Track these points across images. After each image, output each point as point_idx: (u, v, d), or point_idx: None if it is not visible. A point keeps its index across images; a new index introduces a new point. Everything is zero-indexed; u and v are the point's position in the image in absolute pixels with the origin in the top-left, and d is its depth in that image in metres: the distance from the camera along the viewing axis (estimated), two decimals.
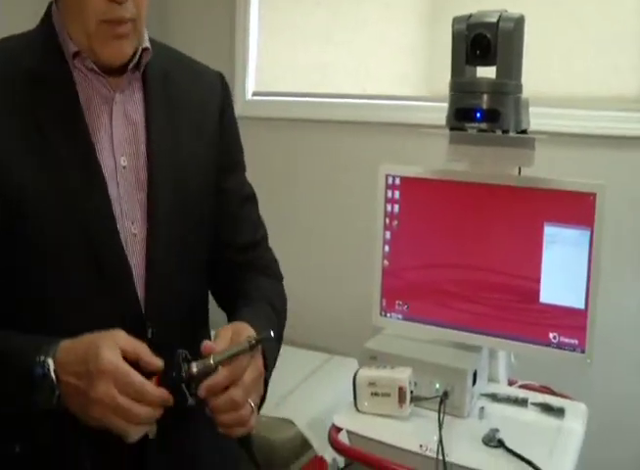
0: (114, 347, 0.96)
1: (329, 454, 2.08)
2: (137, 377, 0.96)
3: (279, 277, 1.38)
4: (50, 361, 0.97)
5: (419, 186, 1.63)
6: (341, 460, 2.01)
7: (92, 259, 1.08)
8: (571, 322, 1.50)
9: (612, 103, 2.13)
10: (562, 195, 1.49)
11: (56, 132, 1.08)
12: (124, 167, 1.13)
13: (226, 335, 1.04)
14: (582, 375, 2.01)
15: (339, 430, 1.55)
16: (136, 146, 1.15)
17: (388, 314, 1.68)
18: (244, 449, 1.11)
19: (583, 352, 1.49)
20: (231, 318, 1.18)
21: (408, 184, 1.63)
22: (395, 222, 1.65)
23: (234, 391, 0.99)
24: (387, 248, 1.66)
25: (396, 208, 1.64)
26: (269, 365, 1.12)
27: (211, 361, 0.99)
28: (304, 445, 2.09)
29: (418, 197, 1.63)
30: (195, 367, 0.99)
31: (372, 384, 1.53)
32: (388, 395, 1.52)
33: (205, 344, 1.01)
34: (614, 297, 1.94)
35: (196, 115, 1.23)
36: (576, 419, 1.57)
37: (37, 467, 1.12)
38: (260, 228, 1.37)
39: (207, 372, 0.99)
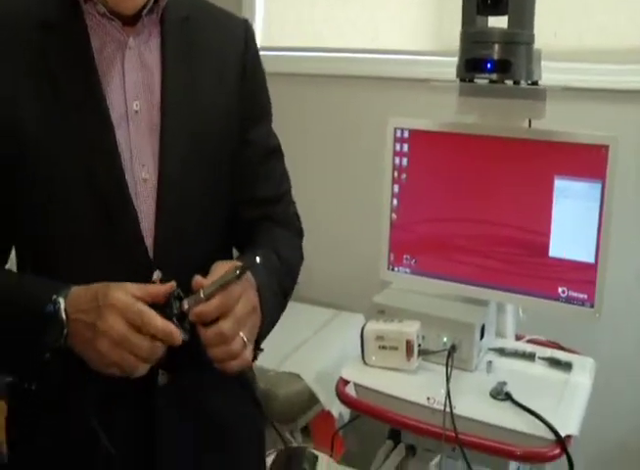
0: (123, 287, 0.98)
1: (336, 409, 2.09)
2: (144, 308, 0.96)
3: (298, 232, 1.36)
4: (61, 300, 0.99)
5: (428, 139, 1.61)
6: (347, 414, 2.03)
7: (99, 203, 1.08)
8: (581, 276, 1.49)
9: (624, 56, 2.09)
10: (573, 148, 1.47)
11: (66, 76, 1.07)
12: (136, 112, 1.11)
13: (218, 271, 1.02)
14: (590, 330, 2.01)
15: (346, 383, 1.56)
16: (150, 91, 1.13)
17: (396, 268, 1.67)
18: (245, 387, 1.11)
19: (592, 306, 1.48)
20: None
21: (417, 137, 1.61)
22: (404, 176, 1.63)
23: (223, 323, 0.98)
24: (395, 201, 1.65)
25: (405, 161, 1.63)
26: (266, 308, 1.10)
27: (202, 295, 0.99)
28: (311, 399, 2.10)
29: (427, 150, 1.61)
30: (186, 303, 0.99)
31: (380, 337, 1.53)
32: (395, 348, 1.52)
33: (196, 279, 1.01)
34: (624, 251, 1.93)
35: (216, 62, 1.20)
36: (584, 373, 1.57)
37: (49, 410, 1.14)
38: (284, 182, 1.35)
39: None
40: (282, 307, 1.23)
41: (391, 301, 1.63)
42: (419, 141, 1.61)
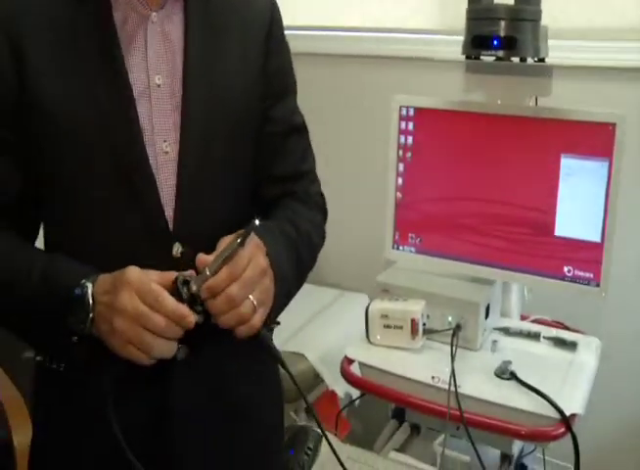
0: (139, 269, 0.99)
1: (340, 388, 2.09)
2: (158, 288, 0.97)
3: (320, 210, 1.36)
4: (89, 284, 1.01)
5: (433, 117, 1.59)
6: (352, 393, 2.03)
7: (121, 174, 1.08)
8: (587, 256, 1.48)
9: (631, 33, 2.07)
10: (580, 126, 1.45)
11: (89, 49, 1.07)
12: (158, 86, 1.11)
13: (222, 245, 1.02)
14: (595, 311, 2.01)
15: (351, 362, 1.56)
16: (172, 65, 1.13)
17: (401, 247, 1.66)
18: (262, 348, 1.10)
19: (598, 285, 1.48)
20: None
21: (422, 115, 1.60)
22: (409, 154, 1.62)
23: (231, 287, 0.98)
24: (400, 180, 1.64)
25: (410, 139, 1.61)
26: (279, 270, 1.09)
27: (207, 272, 0.98)
28: (316, 378, 2.10)
29: (432, 128, 1.60)
30: (194, 285, 0.99)
31: (384, 316, 1.53)
32: (400, 327, 1.52)
33: (199, 258, 1.01)
34: (630, 231, 1.92)
35: (240, 38, 1.20)
36: (589, 353, 1.57)
37: (68, 386, 1.16)
38: (307, 160, 1.34)
39: None
40: (300, 277, 1.23)
41: (396, 280, 1.62)
42: (424, 119, 1.60)
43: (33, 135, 1.08)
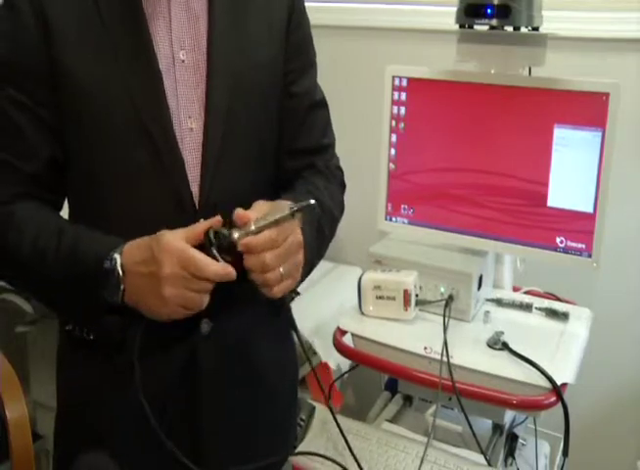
0: (173, 233, 1.01)
1: (333, 361, 2.09)
2: (196, 253, 1.00)
3: (340, 183, 1.38)
4: (117, 256, 1.03)
5: (426, 88, 1.58)
6: (345, 365, 2.04)
7: (149, 148, 1.10)
8: (579, 226, 1.48)
9: (625, 3, 2.05)
10: (573, 95, 1.44)
11: (114, 23, 1.08)
12: (183, 61, 1.12)
13: (262, 208, 1.05)
14: (587, 283, 2.01)
15: (343, 333, 1.56)
16: (197, 40, 1.14)
17: (394, 219, 1.66)
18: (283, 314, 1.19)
19: (590, 256, 1.48)
20: None
21: (415, 86, 1.59)
22: (402, 125, 1.61)
23: (267, 254, 1.02)
24: (392, 151, 1.63)
25: (403, 110, 1.60)
26: (308, 249, 1.13)
27: (253, 227, 1.00)
28: (309, 351, 2.10)
29: (425, 99, 1.58)
30: (236, 233, 1.01)
31: (377, 287, 1.53)
32: (392, 298, 1.52)
33: (238, 212, 1.03)
34: (623, 201, 1.91)
35: (264, 12, 1.21)
36: (581, 323, 1.57)
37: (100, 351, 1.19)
38: (328, 134, 1.37)
39: None
40: (322, 250, 1.27)
41: (389, 251, 1.62)
42: (417, 89, 1.58)
43: (64, 107, 1.09)
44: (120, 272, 1.02)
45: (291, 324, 1.22)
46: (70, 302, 1.10)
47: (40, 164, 1.12)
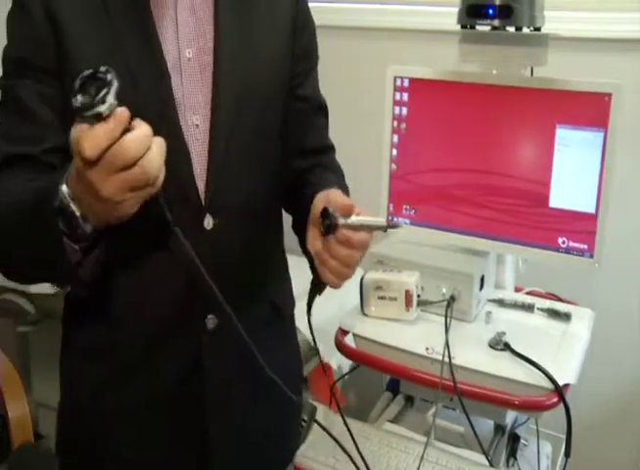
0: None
1: (335, 361, 2.09)
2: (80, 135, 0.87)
3: (344, 178, 1.39)
4: (63, 188, 0.93)
5: (428, 88, 1.58)
6: (346, 366, 2.03)
7: None
8: (581, 227, 1.48)
9: (626, 4, 2.05)
10: (576, 96, 1.44)
11: (121, 19, 1.08)
12: (189, 59, 1.12)
13: (343, 198, 1.07)
14: (589, 284, 2.01)
15: (345, 333, 1.56)
16: (203, 39, 1.13)
17: (395, 219, 1.66)
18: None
19: (592, 256, 1.48)
20: (301, 206, 1.17)
21: (417, 86, 1.59)
22: (404, 125, 1.61)
23: (356, 252, 1.05)
24: (394, 152, 1.63)
25: (405, 110, 1.60)
26: None
27: (354, 220, 1.04)
28: (310, 351, 2.10)
29: (427, 99, 1.59)
30: (342, 219, 1.04)
31: (379, 287, 1.53)
32: (394, 298, 1.52)
33: (344, 200, 1.05)
34: (624, 202, 1.91)
35: (269, 12, 1.21)
36: (582, 324, 1.57)
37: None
38: (328, 135, 1.39)
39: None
40: None
41: (390, 251, 1.62)
42: (419, 90, 1.58)
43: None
44: (68, 198, 0.92)
45: (308, 309, 1.29)
46: (44, 252, 1.01)
47: (51, 142, 1.09)
